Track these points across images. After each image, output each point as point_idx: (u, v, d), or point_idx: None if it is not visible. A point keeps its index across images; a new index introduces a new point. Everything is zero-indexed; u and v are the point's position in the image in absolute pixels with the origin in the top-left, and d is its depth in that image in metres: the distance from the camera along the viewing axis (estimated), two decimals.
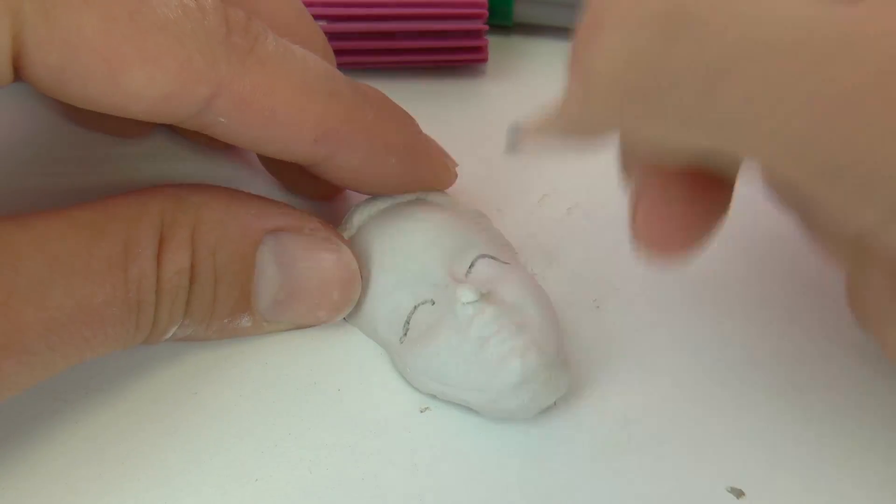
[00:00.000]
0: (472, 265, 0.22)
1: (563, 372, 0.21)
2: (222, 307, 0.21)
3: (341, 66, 0.22)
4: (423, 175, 0.24)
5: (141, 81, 0.18)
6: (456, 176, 0.24)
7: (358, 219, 0.24)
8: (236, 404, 0.21)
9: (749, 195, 0.26)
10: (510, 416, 0.21)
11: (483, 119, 0.29)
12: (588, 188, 0.27)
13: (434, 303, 0.21)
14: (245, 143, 0.21)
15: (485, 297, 0.21)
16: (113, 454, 0.20)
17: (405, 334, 0.22)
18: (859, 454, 0.21)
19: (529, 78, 0.31)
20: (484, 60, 0.31)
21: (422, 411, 0.21)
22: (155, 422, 0.21)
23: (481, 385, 0.20)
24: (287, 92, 0.20)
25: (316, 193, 0.26)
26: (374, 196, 0.24)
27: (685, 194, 0.18)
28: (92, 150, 0.28)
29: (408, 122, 0.23)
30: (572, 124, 0.17)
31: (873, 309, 0.17)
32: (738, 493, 0.20)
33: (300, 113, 0.20)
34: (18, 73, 0.18)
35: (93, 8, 0.17)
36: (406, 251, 0.22)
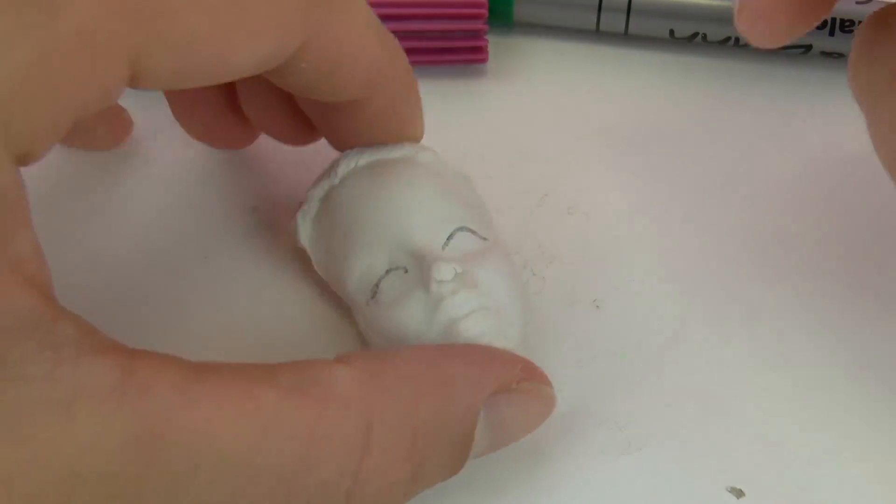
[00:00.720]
0: (450, 236, 0.21)
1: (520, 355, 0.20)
2: (434, 482, 0.19)
3: None
4: (417, 128, 0.24)
5: (246, 56, 0.18)
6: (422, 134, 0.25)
7: (344, 166, 0.23)
8: None
9: (750, 195, 0.26)
10: None
11: (484, 119, 0.30)
12: (588, 188, 0.27)
13: (407, 270, 0.21)
14: (307, 88, 0.21)
15: (459, 276, 0.20)
16: None
17: (373, 297, 0.21)
18: (860, 454, 0.21)
19: (530, 78, 0.31)
20: (484, 60, 0.31)
21: None
22: None
23: None
24: (360, 32, 0.20)
25: (292, 138, 0.26)
26: (363, 147, 0.24)
27: None
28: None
29: (412, 73, 0.24)
30: None
31: None
32: (738, 493, 0.20)
33: (364, 54, 0.21)
34: (135, 85, 0.17)
35: (203, 10, 0.17)
36: (388, 213, 0.22)
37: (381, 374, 0.18)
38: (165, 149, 0.28)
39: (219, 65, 0.18)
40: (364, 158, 0.23)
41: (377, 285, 0.21)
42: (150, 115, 0.28)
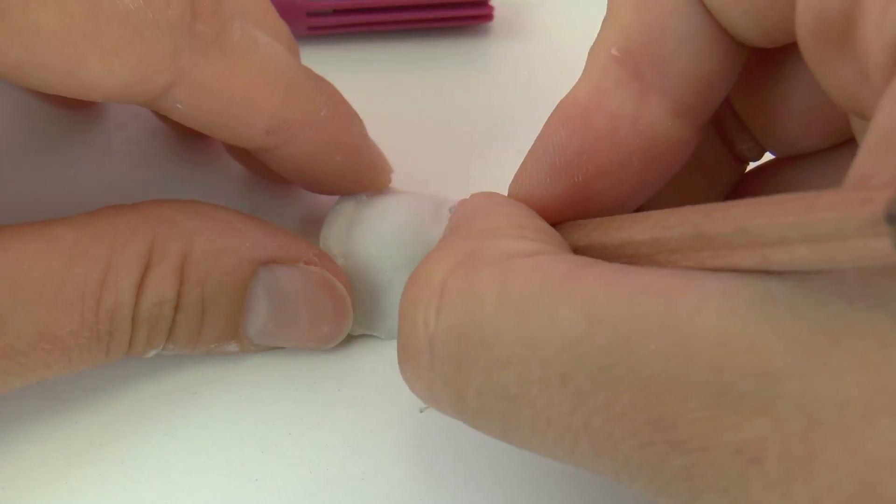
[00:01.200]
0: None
1: None
2: (208, 335, 0.21)
3: (345, 29, 0.21)
4: (363, 176, 0.23)
5: (100, 73, 0.18)
6: (389, 182, 0.24)
7: (336, 235, 0.23)
8: (236, 404, 0.21)
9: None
10: None
11: (490, 81, 0.29)
12: None
13: None
14: (199, 127, 0.21)
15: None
16: (113, 454, 0.20)
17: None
18: None
19: (537, 37, 0.30)
20: (489, 19, 0.30)
21: (421, 411, 0.21)
22: (155, 422, 0.21)
23: None
24: (246, 82, 0.20)
25: (276, 176, 0.25)
26: (337, 202, 0.24)
27: None
28: (70, 133, 0.28)
29: (356, 121, 0.23)
30: None
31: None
32: None
33: (256, 103, 0.20)
34: None
35: (50, 4, 0.17)
36: (404, 244, 0.22)
37: (170, 205, 0.20)
38: (165, 150, 0.28)
39: (68, 71, 0.17)
40: (343, 216, 0.23)
41: None
42: (151, 117, 0.28)
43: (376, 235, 0.23)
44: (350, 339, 0.23)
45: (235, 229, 0.21)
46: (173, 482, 0.20)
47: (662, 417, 0.13)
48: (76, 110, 0.28)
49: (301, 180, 0.23)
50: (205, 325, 0.20)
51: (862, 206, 0.10)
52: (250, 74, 0.20)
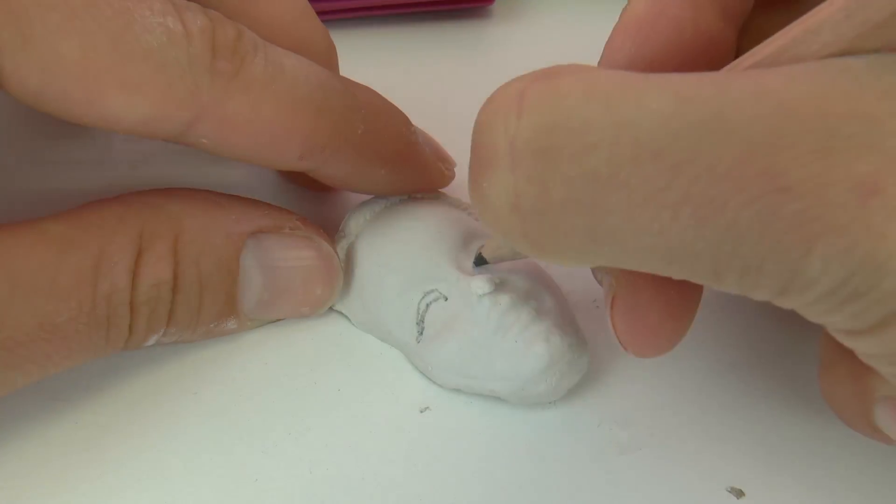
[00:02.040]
0: (478, 255, 0.22)
1: (584, 351, 0.21)
2: (208, 313, 0.21)
3: (345, 14, 0.21)
4: (415, 182, 0.24)
5: (120, 107, 0.18)
6: (452, 177, 0.24)
7: (354, 225, 0.23)
8: (236, 404, 0.21)
9: None
10: (538, 400, 0.21)
11: (491, 64, 0.29)
12: None
13: (447, 298, 0.21)
14: (231, 157, 0.21)
15: (499, 287, 0.21)
16: (113, 454, 0.20)
17: (421, 333, 0.21)
18: (859, 454, 0.21)
19: (538, 20, 0.30)
20: (490, 2, 0.30)
21: (422, 411, 0.21)
22: (155, 422, 0.21)
23: (507, 373, 0.20)
24: (271, 113, 0.19)
25: (314, 185, 0.26)
26: (365, 201, 0.24)
27: (654, 297, 0.19)
28: (83, 149, 0.28)
29: (400, 127, 0.23)
30: (503, 250, 0.19)
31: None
32: (738, 493, 0.20)
33: (285, 132, 0.20)
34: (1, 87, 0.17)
35: (73, 36, 0.17)
36: (410, 250, 0.22)
37: (152, 193, 0.20)
38: (165, 150, 0.28)
39: (89, 104, 0.18)
40: (371, 209, 0.23)
41: (422, 321, 0.21)
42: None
43: (386, 246, 0.23)
44: (350, 340, 0.23)
45: (219, 205, 0.21)
46: (173, 482, 0.20)
47: (770, 167, 0.13)
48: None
49: (350, 189, 0.24)
50: (203, 304, 0.20)
51: None
52: (276, 105, 0.19)
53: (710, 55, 0.18)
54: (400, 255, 0.22)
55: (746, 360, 0.23)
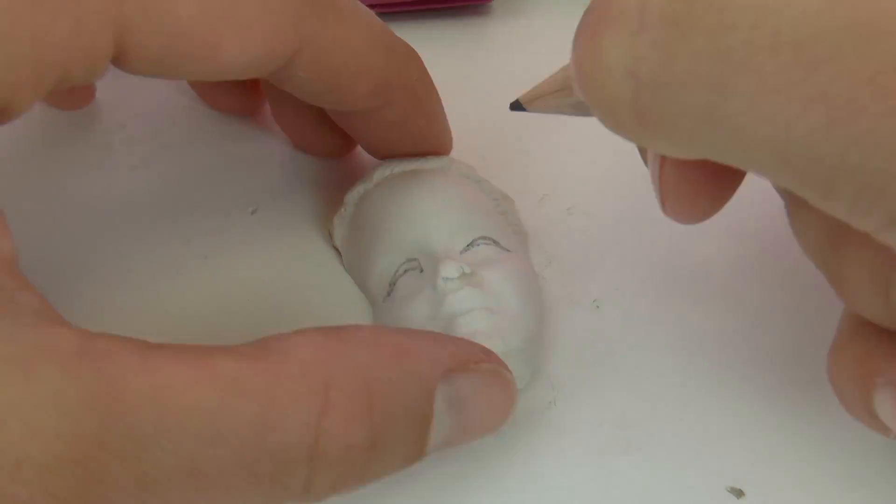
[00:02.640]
0: (470, 244, 0.22)
1: (523, 367, 0.21)
2: (399, 462, 0.19)
3: None
4: (436, 141, 0.24)
5: (235, 53, 0.19)
6: (451, 146, 0.25)
7: (379, 174, 0.24)
8: None
9: (753, 198, 0.26)
10: None
11: (490, 61, 0.29)
12: (588, 188, 0.27)
13: (422, 271, 0.22)
14: (310, 95, 0.21)
15: (466, 276, 0.21)
16: None
17: (388, 294, 0.22)
18: (859, 453, 0.21)
19: (538, 17, 0.30)
20: (489, 0, 0.30)
21: None
22: None
23: None
24: (358, 45, 0.21)
25: (326, 151, 0.27)
26: (402, 159, 0.24)
27: (706, 172, 0.18)
28: (83, 152, 0.28)
29: (434, 87, 0.24)
30: (575, 105, 0.18)
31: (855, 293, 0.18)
32: (738, 493, 0.20)
33: (365, 65, 0.21)
34: (116, 65, 0.18)
35: None
36: (411, 216, 0.23)
37: (337, 339, 0.18)
38: (165, 150, 0.28)
39: (208, 56, 0.18)
40: (400, 167, 0.24)
41: (393, 283, 0.22)
42: (151, 117, 0.28)
43: (393, 204, 0.23)
44: None
45: (408, 351, 0.19)
46: None
47: None
48: (76, 110, 0.28)
49: (382, 145, 0.24)
50: (396, 454, 0.18)
51: None
52: (361, 38, 0.21)
53: None
54: (400, 216, 0.23)
55: (746, 360, 0.23)
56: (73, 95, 0.28)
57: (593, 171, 0.27)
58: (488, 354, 0.20)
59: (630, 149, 0.28)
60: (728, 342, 0.23)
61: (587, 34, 0.15)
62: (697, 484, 0.20)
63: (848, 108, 0.13)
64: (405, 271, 0.22)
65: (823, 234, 0.18)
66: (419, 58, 0.23)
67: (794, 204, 0.18)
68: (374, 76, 0.21)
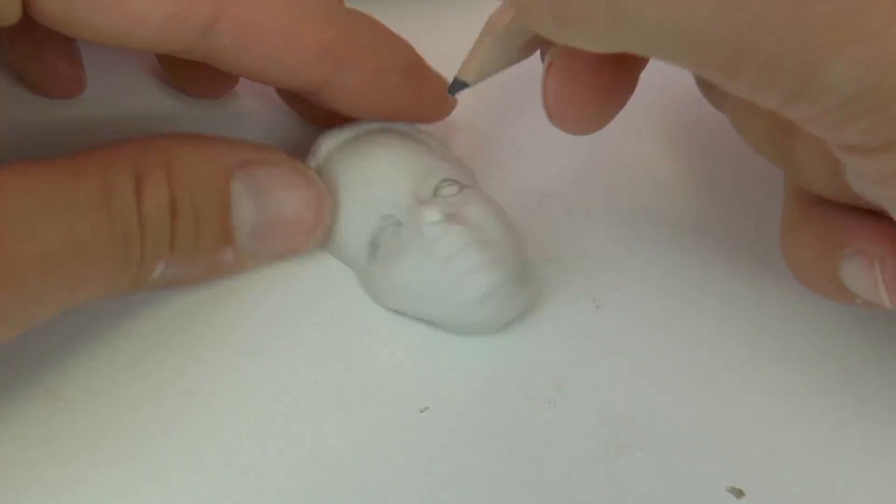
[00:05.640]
0: (436, 188, 0.23)
1: (525, 287, 0.22)
2: (205, 240, 0.21)
3: None
4: (425, 99, 0.24)
5: (146, 4, 0.19)
6: (455, 103, 0.25)
7: (325, 147, 0.24)
8: (236, 403, 0.21)
9: (752, 197, 0.26)
10: (472, 331, 0.22)
11: None
12: (588, 189, 0.27)
13: (401, 224, 0.22)
14: (250, 69, 0.22)
15: (449, 217, 0.22)
16: (113, 454, 0.20)
17: (374, 255, 0.23)
18: (859, 454, 0.21)
19: None
20: None
21: (422, 411, 0.21)
22: (154, 422, 0.21)
23: (446, 299, 0.21)
24: (284, 13, 0.21)
25: (317, 117, 0.27)
26: (341, 126, 0.25)
27: (588, 72, 0.19)
28: (70, 133, 0.28)
29: (406, 46, 0.24)
30: (515, 48, 0.19)
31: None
32: (738, 493, 0.20)
33: (299, 32, 0.21)
34: (27, 10, 0.19)
35: None
36: (372, 176, 0.23)
37: (143, 136, 0.21)
38: None
39: (115, 7, 0.19)
40: (343, 135, 0.24)
41: (374, 243, 0.23)
42: (149, 115, 0.28)
43: (352, 170, 0.23)
44: (350, 341, 0.23)
45: (208, 142, 0.22)
46: (173, 482, 0.20)
47: None
48: (67, 98, 0.28)
49: (363, 112, 0.24)
50: (199, 230, 0.21)
51: None
52: (288, 5, 0.21)
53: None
54: (364, 178, 0.23)
55: (747, 361, 0.23)
56: (59, 79, 0.28)
57: (593, 171, 0.27)
58: (290, 159, 0.23)
59: (630, 149, 0.28)
60: (728, 342, 0.23)
61: None
62: (697, 484, 0.20)
63: None
64: (383, 228, 0.22)
65: (770, 123, 0.19)
66: (369, 18, 0.23)
67: (739, 100, 0.19)
68: (313, 40, 0.22)
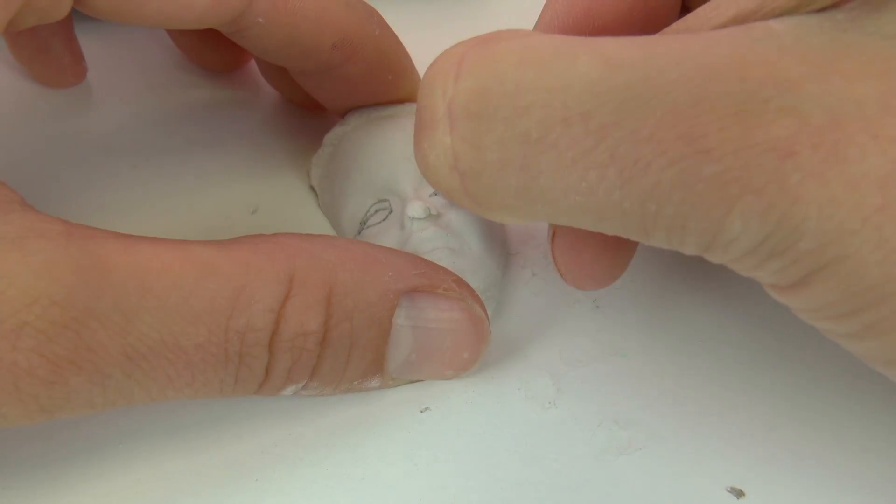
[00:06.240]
0: None
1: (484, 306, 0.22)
2: (354, 370, 0.20)
3: None
4: (409, 94, 0.25)
5: None
6: None
7: (356, 119, 0.25)
8: (236, 404, 0.21)
9: None
10: None
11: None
12: None
13: (391, 211, 0.23)
14: (270, 49, 0.22)
15: (432, 217, 0.22)
16: (113, 454, 0.20)
17: (359, 232, 0.23)
18: (859, 454, 0.21)
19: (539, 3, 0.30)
20: None
21: (422, 411, 0.21)
22: (155, 422, 0.21)
23: None
24: None
25: (317, 106, 0.27)
26: (377, 106, 0.25)
27: (591, 235, 0.19)
28: (85, 150, 0.28)
29: (401, 44, 0.24)
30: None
31: None
32: (738, 493, 0.20)
33: (324, 17, 0.22)
34: (77, 6, 0.19)
35: None
36: (383, 158, 0.23)
37: (309, 241, 0.19)
38: (166, 149, 0.28)
39: (170, 2, 0.19)
40: (376, 113, 0.25)
41: (364, 222, 0.23)
42: (149, 116, 0.28)
43: (367, 147, 0.24)
44: None
45: (376, 260, 0.20)
46: (173, 482, 0.20)
47: (691, 130, 0.13)
48: (66, 87, 0.29)
49: (353, 101, 0.25)
50: (351, 361, 0.19)
51: None
52: None
53: (655, 15, 0.19)
54: (374, 159, 0.23)
55: (746, 360, 0.23)
56: (60, 67, 0.28)
57: None
58: (460, 284, 0.21)
59: None
60: (728, 342, 0.23)
61: (415, 140, 0.16)
62: (697, 484, 0.20)
63: (636, 168, 0.14)
64: (376, 211, 0.23)
65: None
66: (379, 14, 0.24)
67: None
68: (335, 28, 0.22)
